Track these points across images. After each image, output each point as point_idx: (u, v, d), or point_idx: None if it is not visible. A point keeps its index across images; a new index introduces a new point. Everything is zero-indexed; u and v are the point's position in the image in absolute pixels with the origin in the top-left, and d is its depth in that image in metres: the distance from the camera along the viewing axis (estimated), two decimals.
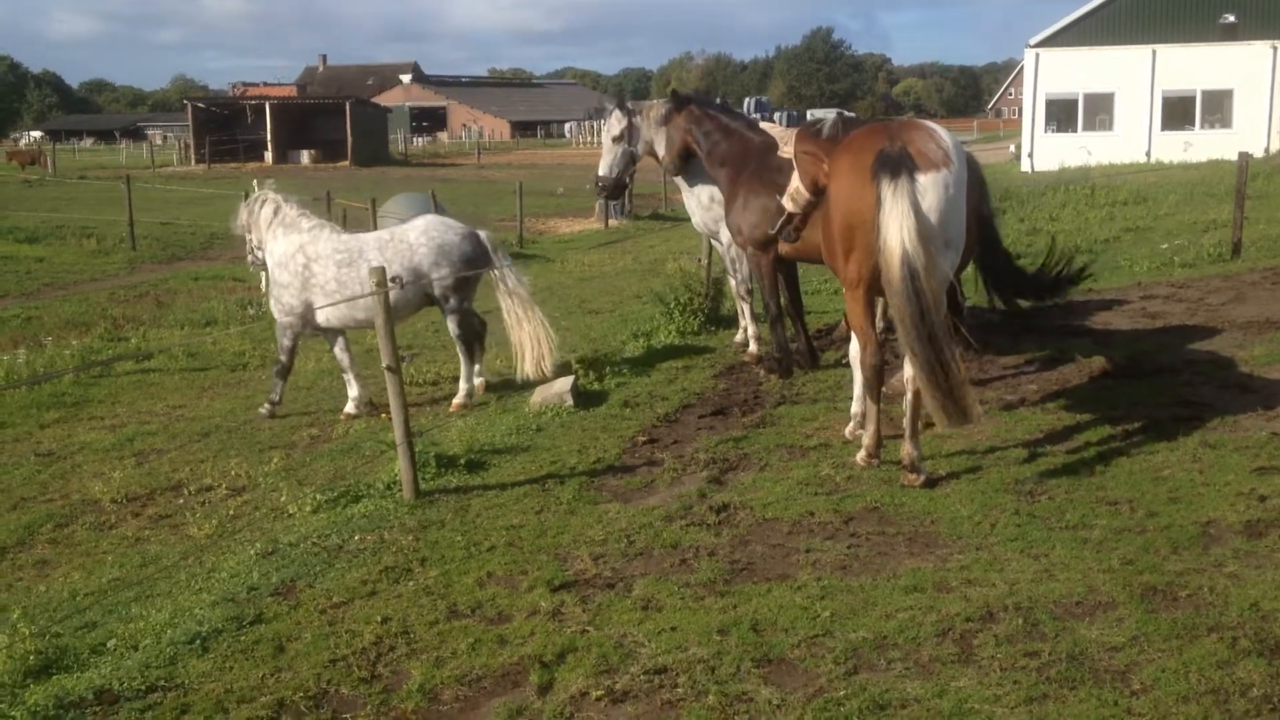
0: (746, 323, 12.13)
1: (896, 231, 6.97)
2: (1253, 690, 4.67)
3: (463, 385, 11.40)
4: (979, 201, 9.65)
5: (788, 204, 9.79)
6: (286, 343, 11.55)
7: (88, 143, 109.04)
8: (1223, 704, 4.60)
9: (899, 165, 7.06)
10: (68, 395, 12.91)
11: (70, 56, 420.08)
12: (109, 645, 6.10)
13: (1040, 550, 6.26)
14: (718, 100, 12.31)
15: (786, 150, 10.19)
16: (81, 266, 25.39)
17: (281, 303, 11.40)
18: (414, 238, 11.37)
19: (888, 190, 7.03)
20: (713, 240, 12.56)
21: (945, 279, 7.38)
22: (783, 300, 11.07)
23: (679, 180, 12.05)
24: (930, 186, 7.16)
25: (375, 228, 24.11)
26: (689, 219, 12.79)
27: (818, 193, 9.02)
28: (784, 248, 10.48)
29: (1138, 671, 4.89)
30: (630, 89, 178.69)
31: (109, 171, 54.28)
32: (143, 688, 5.40)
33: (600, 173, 12.42)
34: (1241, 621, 5.26)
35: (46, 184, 48.47)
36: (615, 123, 12.14)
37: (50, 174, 54.26)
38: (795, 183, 9.68)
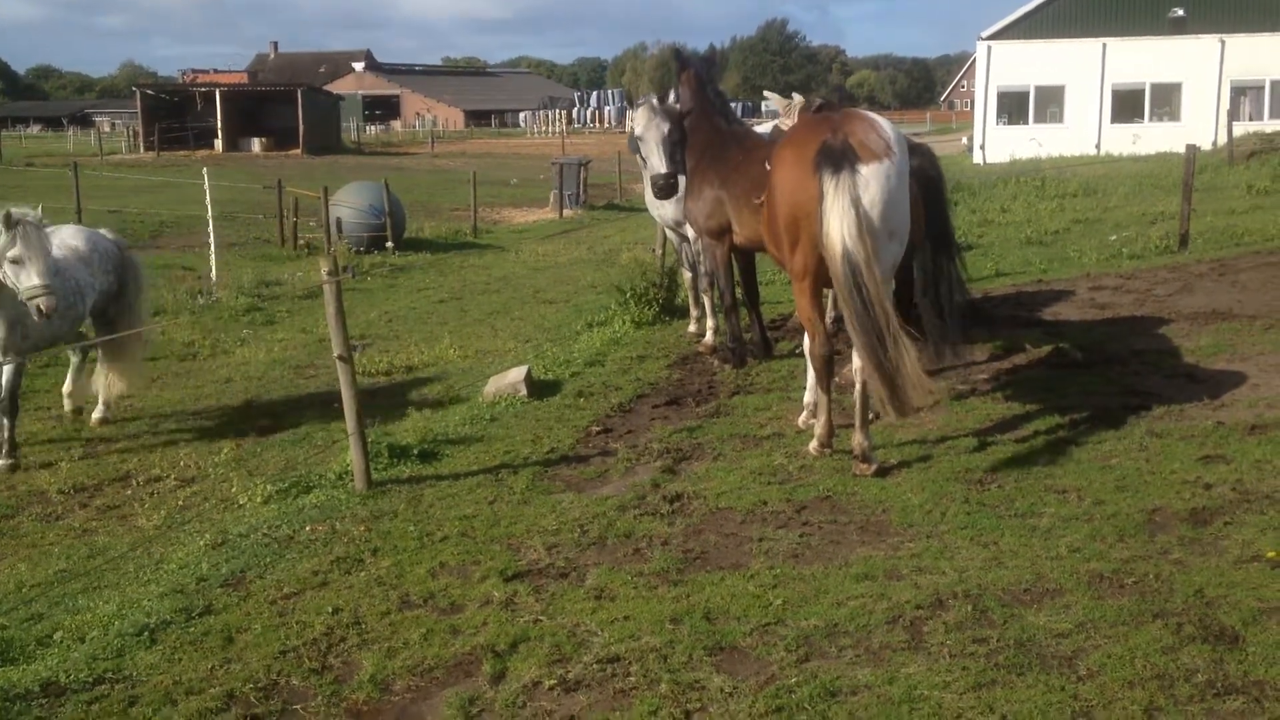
0: (707, 315, 12.02)
1: (838, 226, 7.02)
2: (1197, 676, 4.73)
3: (99, 406, 10.95)
4: (938, 198, 9.62)
5: None
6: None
7: (35, 130, 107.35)
8: (1168, 689, 4.66)
9: (841, 158, 7.10)
10: None
11: (16, 42, 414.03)
12: (55, 637, 6.04)
13: (989, 538, 6.32)
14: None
15: (784, 120, 9.94)
16: None
17: None
18: (79, 243, 10.50)
19: (830, 184, 7.07)
20: (678, 233, 12.32)
21: (889, 270, 7.46)
22: (738, 290, 11.08)
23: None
24: (872, 178, 7.20)
25: (326, 217, 23.94)
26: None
27: None
28: (739, 237, 10.49)
29: (1084, 657, 4.95)
30: (585, 79, 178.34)
31: (57, 159, 53.42)
32: (90, 680, 5.34)
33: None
34: (1186, 608, 5.33)
35: None
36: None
37: None
38: None
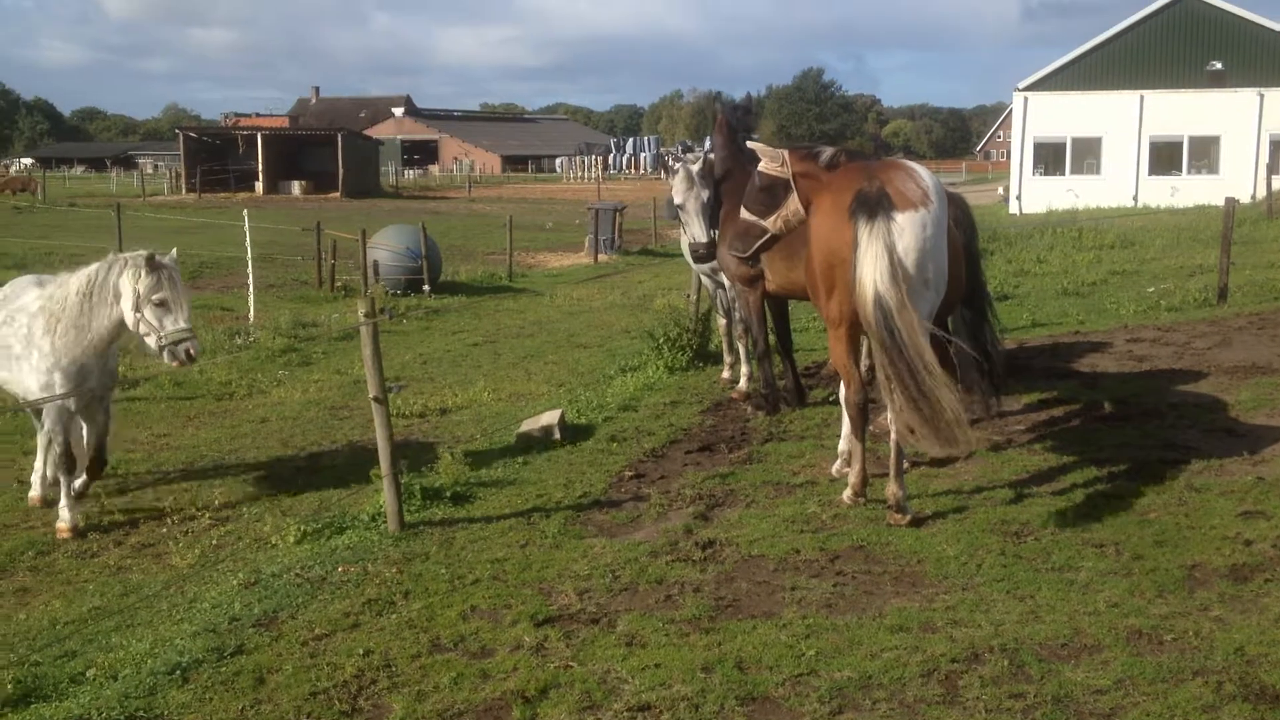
0: (741, 362, 12.01)
1: (870, 272, 7.01)
2: None
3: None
4: (970, 249, 9.59)
5: (778, 226, 8.91)
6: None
7: (79, 170, 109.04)
8: None
9: (876, 205, 7.10)
10: None
11: (62, 84, 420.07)
12: (88, 675, 6.04)
13: (1026, 591, 6.25)
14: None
15: (772, 166, 9.71)
16: None
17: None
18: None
19: (864, 231, 7.08)
20: (713, 279, 12.33)
21: (924, 318, 7.36)
22: (771, 337, 11.07)
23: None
24: (908, 226, 7.19)
25: (364, 260, 24.11)
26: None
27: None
28: (772, 284, 10.49)
29: (1123, 715, 4.87)
30: (621, 125, 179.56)
31: (100, 199, 54.27)
32: (122, 718, 5.35)
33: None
34: (1226, 666, 5.25)
35: (37, 211, 48.41)
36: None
37: (41, 201, 54.19)
38: (794, 204, 8.74)
